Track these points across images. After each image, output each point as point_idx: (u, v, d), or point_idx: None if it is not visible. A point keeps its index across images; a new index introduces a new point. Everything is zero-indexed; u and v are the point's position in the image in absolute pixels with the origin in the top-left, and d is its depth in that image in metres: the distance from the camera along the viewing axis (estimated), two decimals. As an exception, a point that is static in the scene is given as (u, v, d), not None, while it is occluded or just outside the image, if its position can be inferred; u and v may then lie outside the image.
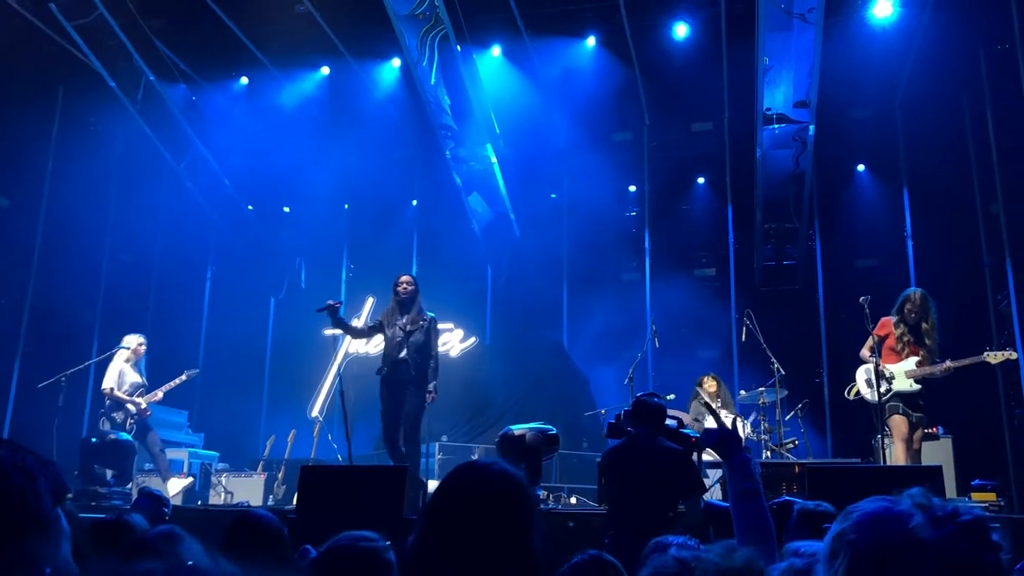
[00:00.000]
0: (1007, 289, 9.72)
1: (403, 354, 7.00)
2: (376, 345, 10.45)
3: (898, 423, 6.78)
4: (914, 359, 6.87)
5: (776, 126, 9.68)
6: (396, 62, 11.42)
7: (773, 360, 8.27)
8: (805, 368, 10.69)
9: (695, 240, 12.24)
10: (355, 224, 13.20)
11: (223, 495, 9.07)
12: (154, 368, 9.11)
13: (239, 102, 11.85)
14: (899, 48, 10.05)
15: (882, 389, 6.82)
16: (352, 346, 11.74)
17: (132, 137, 11.15)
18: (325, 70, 11.82)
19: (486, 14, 10.38)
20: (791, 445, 8.11)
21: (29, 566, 1.16)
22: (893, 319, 7.03)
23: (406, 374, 7.00)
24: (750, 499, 2.28)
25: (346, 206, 13.18)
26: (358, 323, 10.72)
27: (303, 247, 13.04)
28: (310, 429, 10.38)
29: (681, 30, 10.47)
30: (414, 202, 13.20)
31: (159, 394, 8.67)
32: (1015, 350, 7.42)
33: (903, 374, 6.85)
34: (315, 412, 11.24)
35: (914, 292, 7.00)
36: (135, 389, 8.48)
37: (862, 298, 6.95)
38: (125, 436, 8.17)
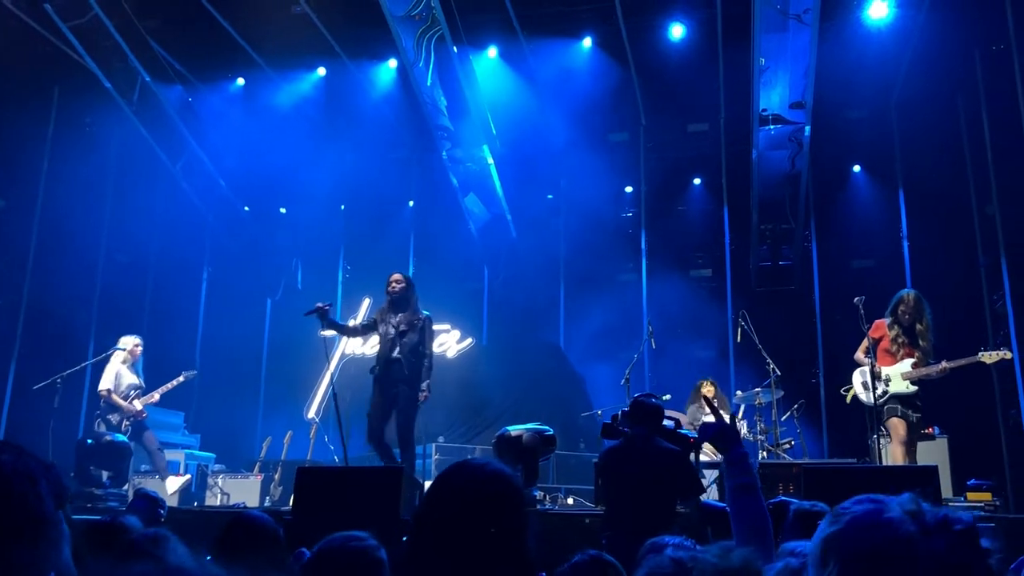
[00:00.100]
0: (1002, 289, 9.74)
1: (396, 353, 7.00)
2: (373, 346, 10.44)
3: (897, 425, 6.78)
4: (909, 361, 6.88)
5: (772, 127, 9.69)
6: (392, 63, 11.40)
7: (769, 361, 8.29)
8: (801, 368, 10.73)
9: (691, 241, 12.24)
10: (351, 225, 13.20)
11: (219, 496, 9.07)
12: (150, 369, 9.09)
13: (235, 103, 11.81)
14: (895, 49, 10.07)
15: (879, 391, 6.82)
16: (349, 347, 11.73)
17: (128, 138, 11.12)
18: (321, 71, 11.79)
19: (482, 15, 10.36)
20: (787, 445, 8.12)
21: (32, 569, 1.16)
22: (887, 321, 7.04)
23: (399, 373, 6.98)
24: (747, 493, 2.29)
25: (342, 207, 13.16)
26: (354, 323, 10.69)
27: (299, 248, 13.04)
28: (306, 430, 10.38)
29: (677, 31, 10.48)
30: (410, 203, 13.19)
31: (156, 396, 8.67)
32: (1010, 350, 7.43)
33: (899, 376, 6.86)
34: (311, 413, 11.23)
35: (907, 293, 7.00)
36: (132, 390, 8.46)
37: (857, 299, 6.97)
38: (121, 438, 8.16)
